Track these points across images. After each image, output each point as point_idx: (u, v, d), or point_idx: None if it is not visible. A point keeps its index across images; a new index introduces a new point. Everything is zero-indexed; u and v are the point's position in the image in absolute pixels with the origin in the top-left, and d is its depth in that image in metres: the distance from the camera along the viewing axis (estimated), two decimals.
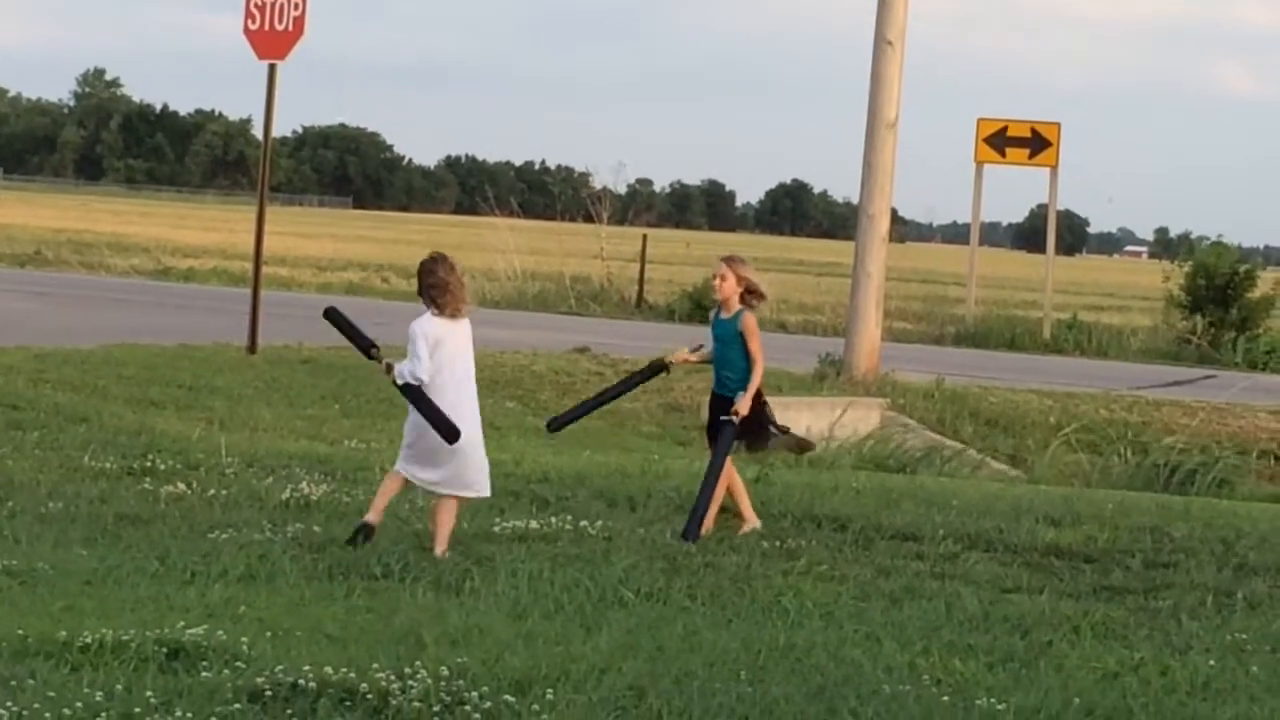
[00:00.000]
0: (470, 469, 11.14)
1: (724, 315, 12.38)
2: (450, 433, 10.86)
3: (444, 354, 10.98)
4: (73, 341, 22.62)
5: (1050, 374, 29.44)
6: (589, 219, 44.17)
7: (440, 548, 11.00)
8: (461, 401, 11.04)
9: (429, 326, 10.97)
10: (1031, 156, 37.95)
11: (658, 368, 12.89)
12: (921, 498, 14.16)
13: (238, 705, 7.33)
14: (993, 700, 7.95)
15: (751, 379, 12.22)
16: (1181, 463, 20.84)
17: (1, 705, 7.12)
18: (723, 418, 12.24)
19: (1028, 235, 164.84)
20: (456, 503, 11.20)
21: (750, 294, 12.33)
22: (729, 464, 12.30)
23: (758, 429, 12.38)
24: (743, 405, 12.15)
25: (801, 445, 13.38)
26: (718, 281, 12.40)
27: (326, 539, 11.20)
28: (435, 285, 11.01)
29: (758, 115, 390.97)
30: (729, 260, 12.46)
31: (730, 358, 12.34)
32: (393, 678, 7.65)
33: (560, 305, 40.13)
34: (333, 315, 11.62)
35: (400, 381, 10.99)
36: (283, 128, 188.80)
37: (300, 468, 14.07)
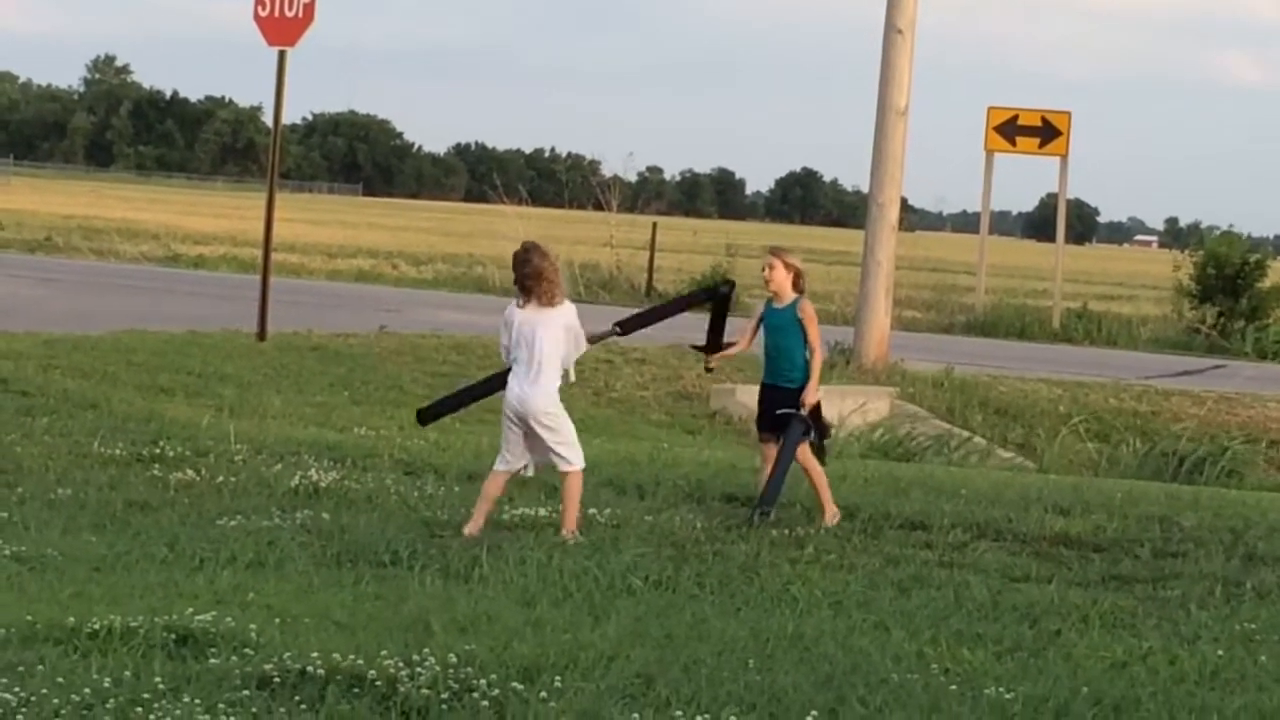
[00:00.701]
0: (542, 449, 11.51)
1: (777, 305, 12.51)
2: (421, 416, 12.36)
3: (515, 338, 11.41)
4: (82, 328, 22.63)
5: (1060, 363, 29.41)
6: (598, 207, 44.10)
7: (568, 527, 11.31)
8: (528, 381, 11.31)
9: (507, 313, 11.52)
10: (1042, 145, 37.86)
11: (709, 351, 12.87)
12: (930, 486, 14.15)
13: (246, 692, 7.34)
14: (1001, 689, 7.94)
15: (813, 367, 12.35)
16: (1190, 452, 20.84)
17: (10, 691, 7.13)
18: (779, 411, 12.28)
19: (1038, 224, 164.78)
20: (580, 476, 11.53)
21: (799, 279, 12.48)
22: (808, 454, 12.34)
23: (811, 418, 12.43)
24: (810, 395, 12.28)
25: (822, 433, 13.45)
26: (768, 273, 12.55)
27: (335, 526, 11.21)
28: (529, 275, 11.46)
29: (768, 103, 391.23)
30: (775, 251, 12.72)
31: (785, 347, 12.43)
32: (401, 665, 7.65)
33: (569, 293, 40.08)
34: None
35: None
36: (292, 114, 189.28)
37: (309, 455, 14.07)
